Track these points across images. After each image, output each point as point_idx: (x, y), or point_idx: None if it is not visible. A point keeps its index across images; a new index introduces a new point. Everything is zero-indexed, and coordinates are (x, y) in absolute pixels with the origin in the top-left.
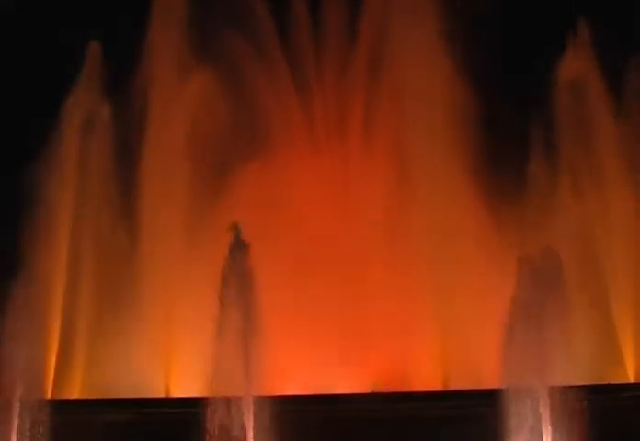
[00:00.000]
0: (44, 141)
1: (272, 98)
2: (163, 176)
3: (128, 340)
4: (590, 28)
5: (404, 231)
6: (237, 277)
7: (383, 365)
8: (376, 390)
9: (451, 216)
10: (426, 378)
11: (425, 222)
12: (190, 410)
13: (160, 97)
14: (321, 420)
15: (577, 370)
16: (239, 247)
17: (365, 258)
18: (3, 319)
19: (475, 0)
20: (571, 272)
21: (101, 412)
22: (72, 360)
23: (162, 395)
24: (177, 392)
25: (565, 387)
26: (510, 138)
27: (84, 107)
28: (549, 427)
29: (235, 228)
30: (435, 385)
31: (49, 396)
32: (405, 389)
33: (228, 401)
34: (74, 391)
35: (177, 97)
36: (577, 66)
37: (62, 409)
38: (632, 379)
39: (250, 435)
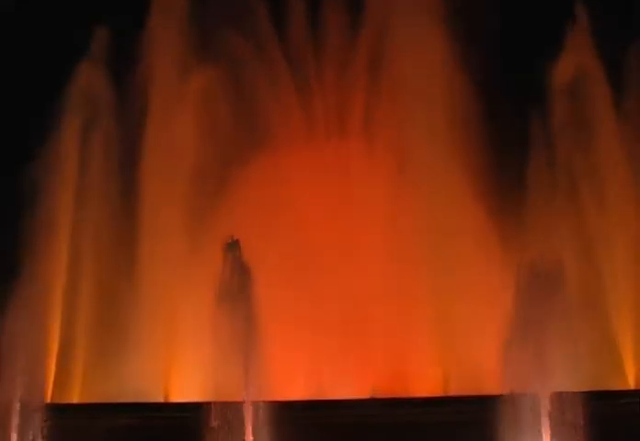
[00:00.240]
0: (44, 141)
1: (272, 98)
2: (163, 176)
3: (127, 342)
4: (589, 23)
5: (404, 232)
6: (237, 276)
7: (383, 365)
8: (375, 396)
9: (451, 216)
10: (426, 378)
11: (425, 223)
12: (191, 414)
13: (160, 97)
14: (320, 425)
15: (577, 376)
16: (239, 268)
17: (365, 259)
18: (3, 319)
19: (475, 0)
20: (571, 274)
21: (101, 416)
22: (71, 361)
23: (161, 398)
24: (177, 396)
25: (565, 392)
26: (510, 138)
27: (84, 106)
28: (549, 433)
29: (234, 245)
30: (435, 385)
31: (48, 399)
32: (405, 389)
33: (228, 406)
34: (74, 394)
35: (178, 97)
36: (575, 64)
37: (62, 413)
38: (632, 386)
39: (250, 439)
